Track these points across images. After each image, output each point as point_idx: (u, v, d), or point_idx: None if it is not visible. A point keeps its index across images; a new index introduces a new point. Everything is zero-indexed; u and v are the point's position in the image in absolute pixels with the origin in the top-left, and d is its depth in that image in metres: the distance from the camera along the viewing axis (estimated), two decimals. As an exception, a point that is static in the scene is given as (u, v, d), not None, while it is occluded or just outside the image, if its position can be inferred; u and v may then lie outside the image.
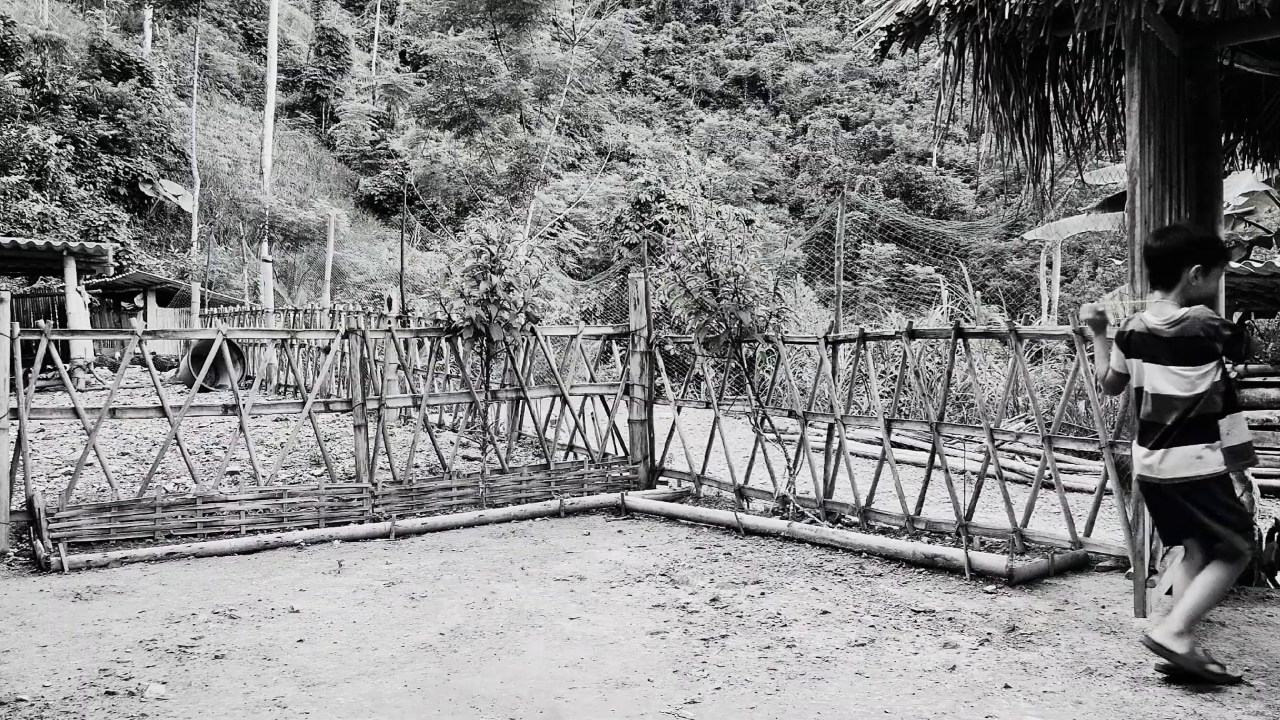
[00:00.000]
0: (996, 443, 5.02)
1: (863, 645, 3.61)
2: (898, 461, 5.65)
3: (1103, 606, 4.10)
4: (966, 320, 14.85)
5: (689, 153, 38.71)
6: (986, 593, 4.32)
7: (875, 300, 27.26)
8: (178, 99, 27.94)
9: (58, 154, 21.58)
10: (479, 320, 6.17)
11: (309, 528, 5.55)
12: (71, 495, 5.28)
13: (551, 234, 28.19)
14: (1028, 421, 10.73)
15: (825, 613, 4.04)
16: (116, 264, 20.49)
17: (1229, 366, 3.40)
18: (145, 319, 18.92)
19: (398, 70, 37.75)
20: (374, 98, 35.67)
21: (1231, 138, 4.90)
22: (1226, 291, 4.64)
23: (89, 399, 9.32)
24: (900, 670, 3.35)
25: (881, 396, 6.50)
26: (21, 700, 3.06)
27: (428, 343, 6.98)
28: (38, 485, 5.33)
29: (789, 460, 6.04)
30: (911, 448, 9.54)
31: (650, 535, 5.66)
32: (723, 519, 5.77)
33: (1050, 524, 5.45)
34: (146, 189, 24.77)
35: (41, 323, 5.26)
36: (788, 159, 41.88)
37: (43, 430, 8.19)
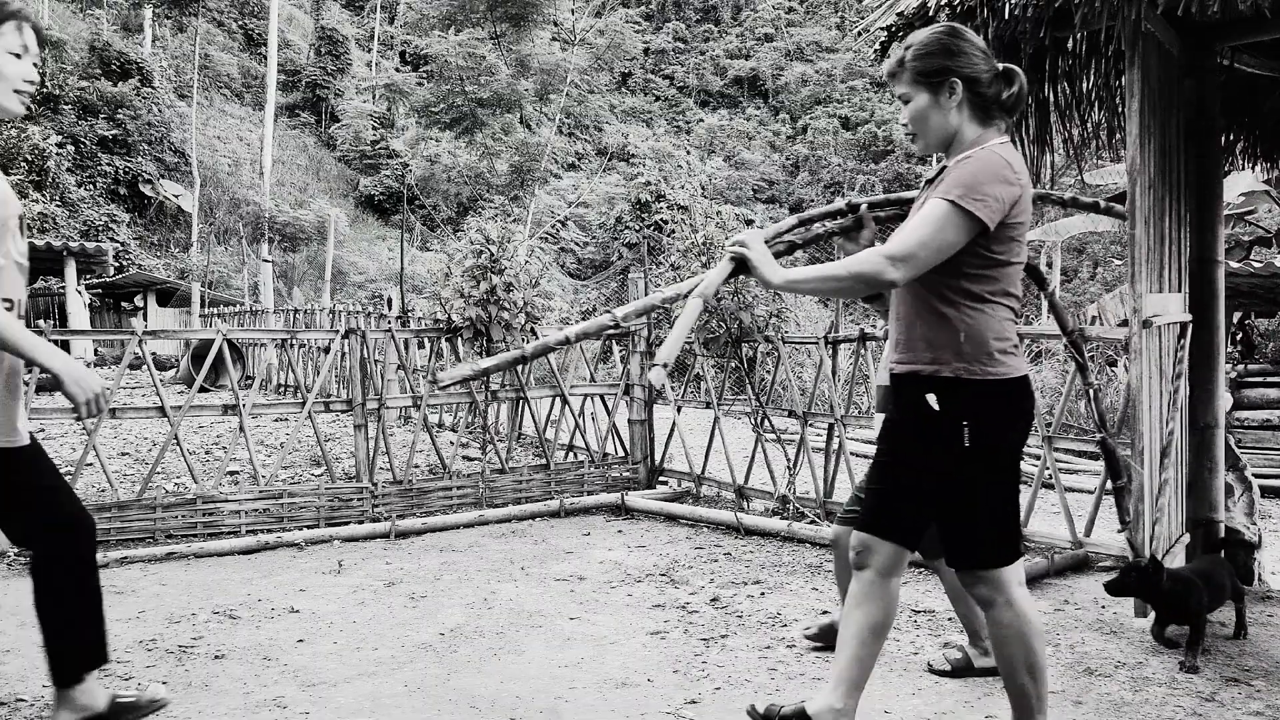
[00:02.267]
0: (996, 443, 5.02)
1: (863, 645, 3.61)
2: (898, 461, 5.65)
3: (1103, 606, 4.09)
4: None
5: (689, 153, 38.72)
6: (986, 593, 4.32)
7: (875, 300, 27.18)
8: (178, 99, 27.93)
9: (58, 154, 21.59)
10: (479, 320, 6.17)
11: (309, 528, 5.54)
12: (71, 495, 5.27)
13: (551, 234, 28.20)
14: (1028, 421, 10.72)
15: (825, 613, 4.03)
16: (116, 264, 20.50)
17: None
18: (145, 319, 18.93)
19: (398, 70, 37.76)
20: (374, 98, 35.67)
21: (1231, 138, 4.90)
22: (1227, 291, 4.63)
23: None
24: (900, 670, 3.35)
25: (881, 396, 6.50)
26: (22, 700, 3.06)
27: (428, 343, 6.99)
28: (38, 485, 5.33)
29: (789, 460, 6.04)
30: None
31: (650, 535, 5.66)
32: (723, 519, 5.77)
33: (1050, 524, 5.45)
34: (146, 189, 24.77)
35: (41, 323, 5.26)
36: (788, 159, 41.86)
37: (43, 430, 8.19)
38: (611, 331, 2.38)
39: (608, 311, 2.53)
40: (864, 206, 2.76)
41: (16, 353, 2.33)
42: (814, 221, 2.75)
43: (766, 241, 2.45)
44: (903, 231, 2.29)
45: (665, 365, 2.18)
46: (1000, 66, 2.39)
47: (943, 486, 2.38)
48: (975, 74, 2.34)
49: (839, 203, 2.82)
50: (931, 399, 2.32)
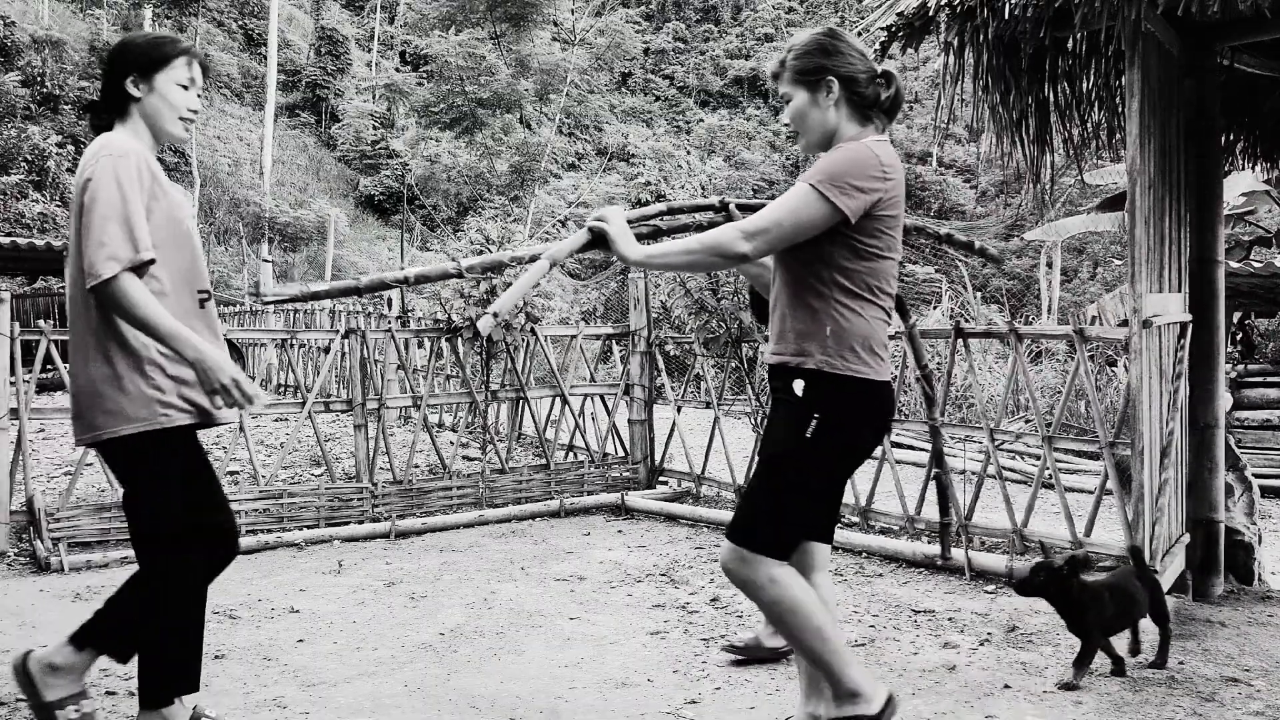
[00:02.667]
0: (996, 443, 5.02)
1: (863, 645, 3.61)
2: (898, 461, 5.65)
3: (1103, 606, 4.09)
4: (967, 320, 14.84)
5: (689, 153, 38.66)
6: (986, 593, 4.32)
7: (875, 300, 27.12)
8: (178, 99, 27.86)
9: (58, 154, 21.56)
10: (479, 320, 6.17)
11: (309, 528, 5.54)
12: (71, 495, 5.28)
13: (552, 234, 28.17)
14: (1028, 421, 10.73)
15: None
16: (117, 264, 20.37)
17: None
18: (145, 319, 18.85)
19: (398, 70, 37.72)
20: (374, 98, 35.64)
21: (1231, 138, 4.90)
22: (1227, 291, 4.63)
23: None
24: (900, 670, 3.35)
25: (881, 396, 6.49)
26: (22, 700, 3.05)
27: (428, 343, 6.99)
28: (38, 485, 5.33)
29: (789, 460, 6.04)
30: (911, 447, 9.54)
31: (650, 535, 5.66)
32: (723, 519, 5.76)
33: (1050, 524, 5.45)
34: (146, 189, 24.70)
35: (41, 323, 5.26)
36: (788, 159, 41.82)
37: (43, 430, 8.19)
38: (454, 277, 2.39)
39: (453, 259, 2.58)
40: (733, 205, 2.79)
41: (154, 337, 2.40)
42: (683, 211, 2.78)
43: (631, 222, 2.49)
44: (763, 209, 2.35)
45: (496, 315, 2.25)
46: (879, 69, 2.43)
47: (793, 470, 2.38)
48: (852, 74, 2.39)
49: (712, 198, 2.85)
50: (798, 385, 2.35)
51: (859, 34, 4.55)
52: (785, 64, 2.44)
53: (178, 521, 2.56)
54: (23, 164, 20.47)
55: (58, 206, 21.08)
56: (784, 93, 2.46)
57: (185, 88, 2.63)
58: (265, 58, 30.09)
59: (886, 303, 2.41)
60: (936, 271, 27.46)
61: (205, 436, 9.08)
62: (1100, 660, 3.42)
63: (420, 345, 8.74)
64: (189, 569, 2.60)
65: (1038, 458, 6.81)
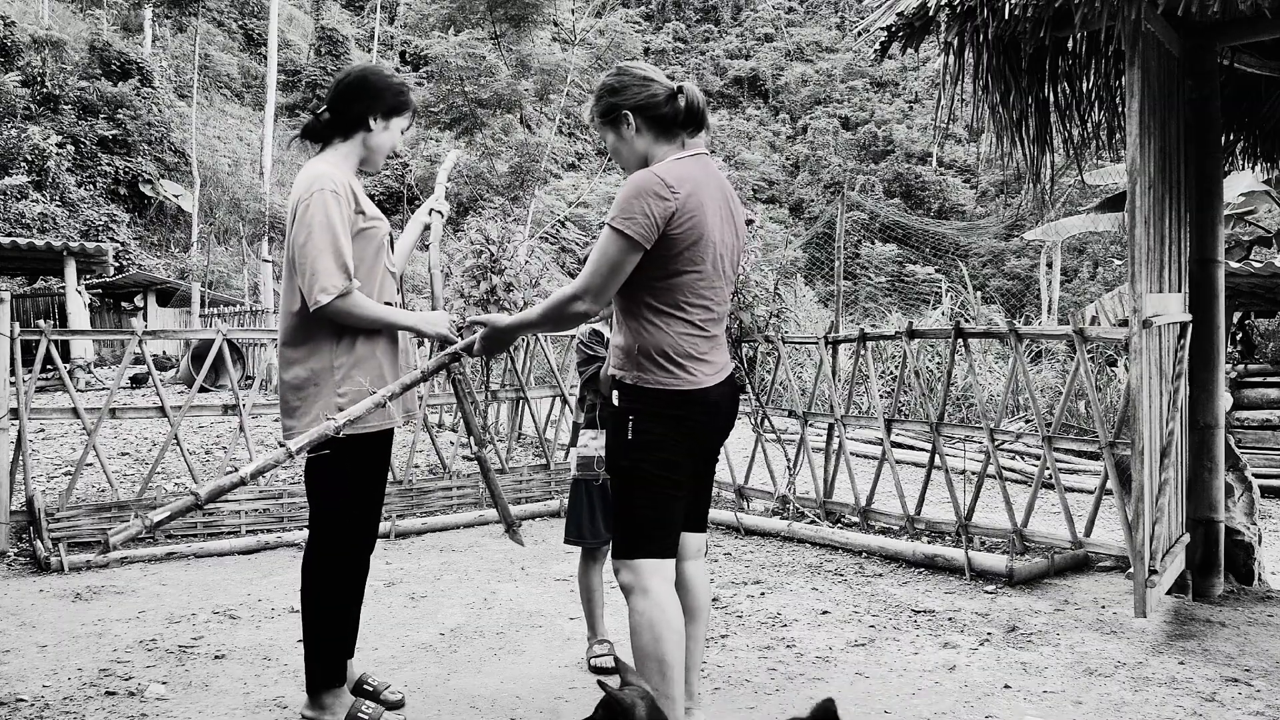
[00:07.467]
0: (996, 443, 5.02)
1: (862, 645, 3.62)
2: (898, 461, 5.65)
3: (1103, 606, 4.10)
4: (966, 320, 14.85)
5: (689, 152, 38.59)
6: (986, 593, 4.32)
7: (875, 300, 27.18)
8: (178, 99, 27.92)
9: (58, 154, 21.57)
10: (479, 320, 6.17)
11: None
12: (71, 495, 5.28)
13: (551, 234, 28.20)
14: (1028, 421, 10.73)
15: (825, 613, 4.04)
16: (116, 264, 20.51)
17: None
18: (145, 319, 18.91)
19: (398, 70, 37.73)
20: (374, 98, 35.56)
21: (1231, 138, 4.90)
22: (1227, 291, 4.63)
23: (89, 399, 9.32)
24: (900, 670, 3.35)
25: (881, 396, 6.50)
26: (22, 700, 3.05)
27: (428, 343, 7.00)
28: (38, 485, 5.32)
29: (789, 460, 6.04)
30: (911, 448, 9.55)
31: (650, 535, 5.65)
32: (723, 519, 5.77)
33: (1050, 524, 5.45)
34: (146, 189, 24.75)
35: (41, 323, 5.25)
36: (788, 159, 41.86)
37: (43, 430, 8.19)
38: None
39: (281, 444, 2.57)
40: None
41: (380, 324, 2.77)
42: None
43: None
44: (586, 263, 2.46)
45: None
46: (674, 87, 2.51)
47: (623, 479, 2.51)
48: (641, 102, 2.49)
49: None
50: (615, 395, 2.51)
51: (858, 34, 4.56)
52: (592, 112, 2.59)
53: None
54: (23, 164, 20.48)
55: (58, 206, 21.09)
56: (600, 135, 2.63)
57: (402, 132, 3.02)
58: (265, 58, 30.08)
59: (697, 315, 2.48)
60: (936, 271, 27.47)
61: (206, 437, 9.03)
62: (1100, 660, 3.42)
63: (420, 345, 8.74)
64: None
65: (1038, 458, 6.81)
